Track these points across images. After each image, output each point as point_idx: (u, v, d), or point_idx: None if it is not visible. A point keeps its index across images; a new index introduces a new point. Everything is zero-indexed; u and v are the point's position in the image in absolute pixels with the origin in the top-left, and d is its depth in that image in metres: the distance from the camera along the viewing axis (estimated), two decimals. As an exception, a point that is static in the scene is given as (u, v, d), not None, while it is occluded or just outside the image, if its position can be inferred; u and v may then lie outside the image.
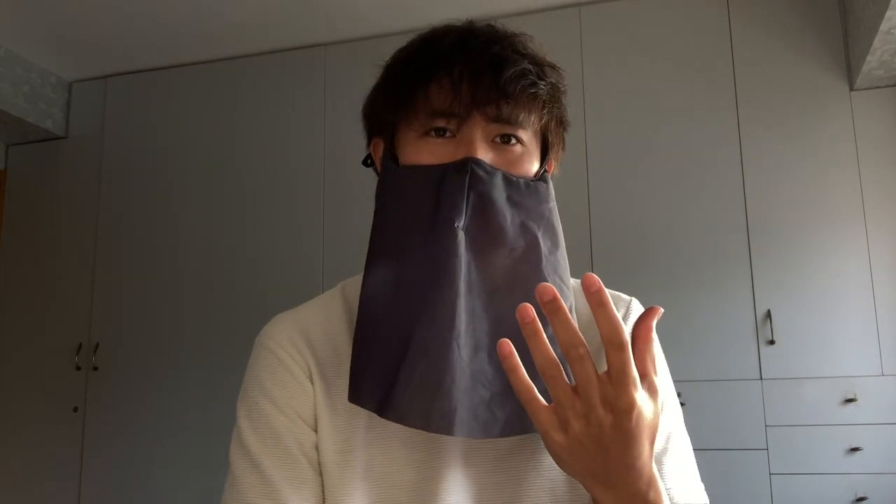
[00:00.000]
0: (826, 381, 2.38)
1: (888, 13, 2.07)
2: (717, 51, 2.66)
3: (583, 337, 0.49)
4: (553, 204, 0.68)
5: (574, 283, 0.71)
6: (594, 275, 0.48)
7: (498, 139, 0.65)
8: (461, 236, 0.61)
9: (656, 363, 0.53)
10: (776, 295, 2.47)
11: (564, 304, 0.49)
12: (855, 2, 2.43)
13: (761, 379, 2.43)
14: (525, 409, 0.52)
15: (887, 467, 2.29)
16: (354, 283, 0.72)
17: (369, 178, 0.73)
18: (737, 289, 2.50)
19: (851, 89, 2.52)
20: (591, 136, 2.72)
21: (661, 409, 0.53)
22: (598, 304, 0.48)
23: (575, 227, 2.62)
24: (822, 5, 2.59)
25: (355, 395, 0.61)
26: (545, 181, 0.68)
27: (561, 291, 0.64)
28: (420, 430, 0.60)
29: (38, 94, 3.24)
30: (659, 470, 0.61)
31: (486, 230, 0.62)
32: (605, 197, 2.68)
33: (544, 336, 0.49)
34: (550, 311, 0.49)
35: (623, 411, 0.49)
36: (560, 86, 0.68)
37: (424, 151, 0.65)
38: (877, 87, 2.50)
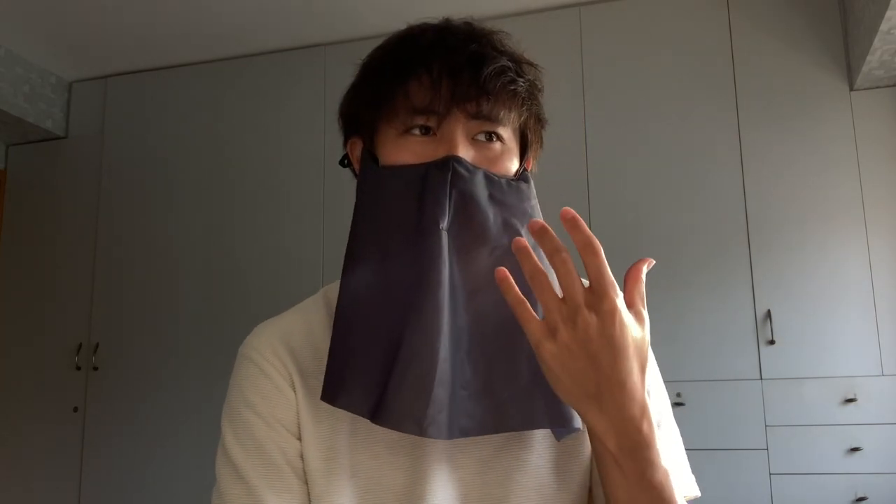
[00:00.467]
0: (826, 381, 2.38)
1: (888, 13, 2.07)
2: (717, 50, 2.66)
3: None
4: (535, 202, 0.67)
5: None
6: (570, 209, 0.52)
7: (480, 137, 0.64)
8: (445, 237, 0.61)
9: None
10: (776, 295, 2.47)
11: (550, 229, 0.53)
12: (855, 2, 2.43)
13: (761, 379, 2.43)
14: (518, 321, 0.54)
15: (887, 467, 2.29)
16: (336, 288, 0.71)
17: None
18: (737, 289, 2.50)
19: (851, 89, 2.52)
20: (591, 136, 2.72)
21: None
22: (572, 225, 0.52)
23: (575, 227, 2.61)
24: (822, 5, 2.59)
25: (335, 398, 0.60)
26: (526, 179, 0.67)
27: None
28: (406, 434, 0.60)
29: (38, 94, 3.24)
30: None
31: (468, 229, 0.62)
32: (605, 196, 2.68)
33: (534, 255, 0.53)
34: (539, 235, 0.53)
35: (606, 313, 0.51)
36: (538, 83, 0.68)
37: (405, 150, 0.64)
38: (877, 87, 2.50)
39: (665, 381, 0.73)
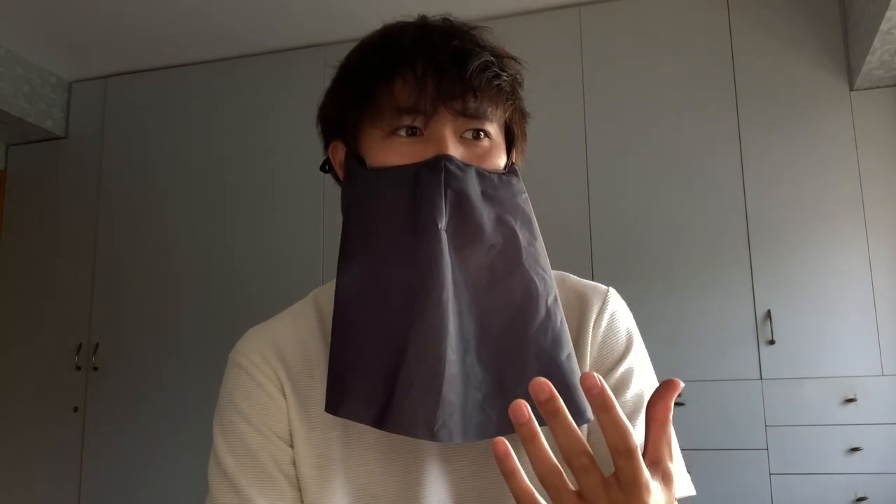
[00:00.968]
0: (826, 381, 2.38)
1: (888, 13, 2.07)
2: (717, 51, 2.66)
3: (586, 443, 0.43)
4: (526, 195, 0.66)
5: (556, 274, 0.69)
6: (593, 373, 0.42)
7: (467, 135, 0.64)
8: (444, 237, 0.60)
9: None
10: (776, 295, 2.47)
11: (563, 406, 0.43)
12: (855, 2, 2.43)
13: (761, 379, 2.43)
14: None
15: (887, 467, 2.29)
16: (327, 292, 0.70)
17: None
18: (737, 289, 2.50)
19: (851, 89, 2.51)
20: (590, 136, 2.72)
21: (668, 489, 0.46)
22: (601, 407, 0.42)
23: (575, 227, 2.62)
24: (821, 5, 2.59)
25: (338, 408, 0.59)
26: (515, 173, 0.67)
27: (543, 282, 0.64)
28: (398, 439, 0.59)
29: (38, 94, 3.24)
30: None
31: (465, 228, 0.61)
32: (605, 197, 2.67)
33: (542, 440, 0.43)
34: (548, 413, 0.42)
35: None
36: (519, 77, 0.67)
37: (392, 152, 0.63)
38: (877, 87, 2.50)
39: (665, 382, 0.72)
